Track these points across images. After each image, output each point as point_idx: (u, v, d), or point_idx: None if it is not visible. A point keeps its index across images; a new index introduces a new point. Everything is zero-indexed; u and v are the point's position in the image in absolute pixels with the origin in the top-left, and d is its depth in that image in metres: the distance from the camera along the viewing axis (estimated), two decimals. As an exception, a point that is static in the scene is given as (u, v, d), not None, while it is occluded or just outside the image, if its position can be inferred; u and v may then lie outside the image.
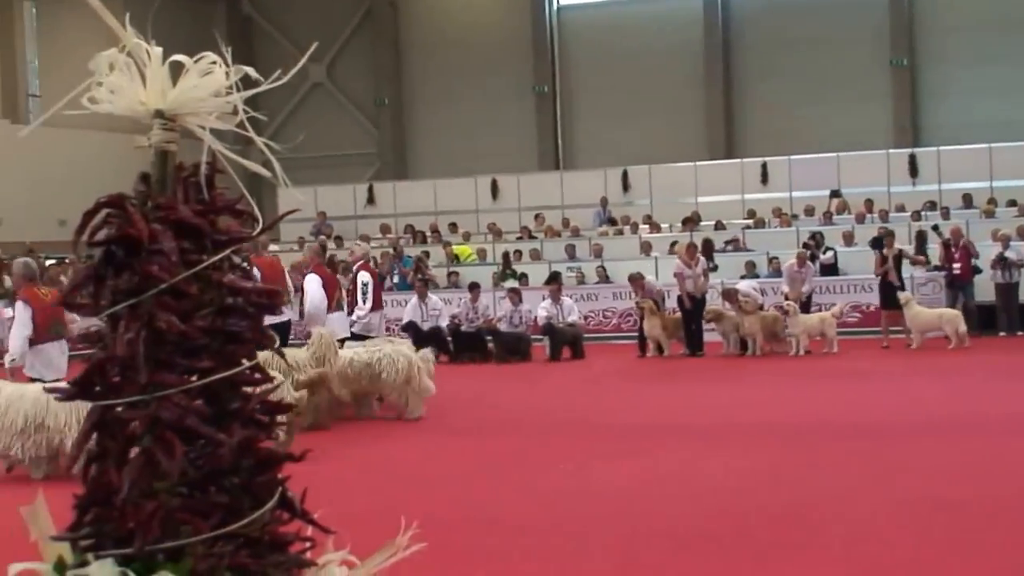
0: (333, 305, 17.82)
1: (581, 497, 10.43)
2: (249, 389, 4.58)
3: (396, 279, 30.54)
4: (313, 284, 17.67)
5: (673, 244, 28.90)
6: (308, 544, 4.75)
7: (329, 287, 17.79)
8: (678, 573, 8.07)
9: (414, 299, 25.50)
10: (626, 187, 36.58)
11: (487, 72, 44.00)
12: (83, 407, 12.17)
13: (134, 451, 4.40)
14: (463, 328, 25.06)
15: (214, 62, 4.47)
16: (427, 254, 32.01)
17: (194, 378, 4.40)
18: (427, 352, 16.73)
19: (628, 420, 15.50)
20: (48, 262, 33.94)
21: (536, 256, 31.39)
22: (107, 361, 4.40)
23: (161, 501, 4.29)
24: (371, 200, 38.97)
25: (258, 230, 4.73)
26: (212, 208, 4.52)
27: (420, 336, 24.86)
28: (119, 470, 4.36)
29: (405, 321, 25.42)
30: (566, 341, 24.50)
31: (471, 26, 45.00)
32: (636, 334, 24.92)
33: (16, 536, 4.92)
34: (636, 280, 24.79)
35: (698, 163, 36.86)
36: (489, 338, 24.86)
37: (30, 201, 39.75)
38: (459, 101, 44.24)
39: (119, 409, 4.39)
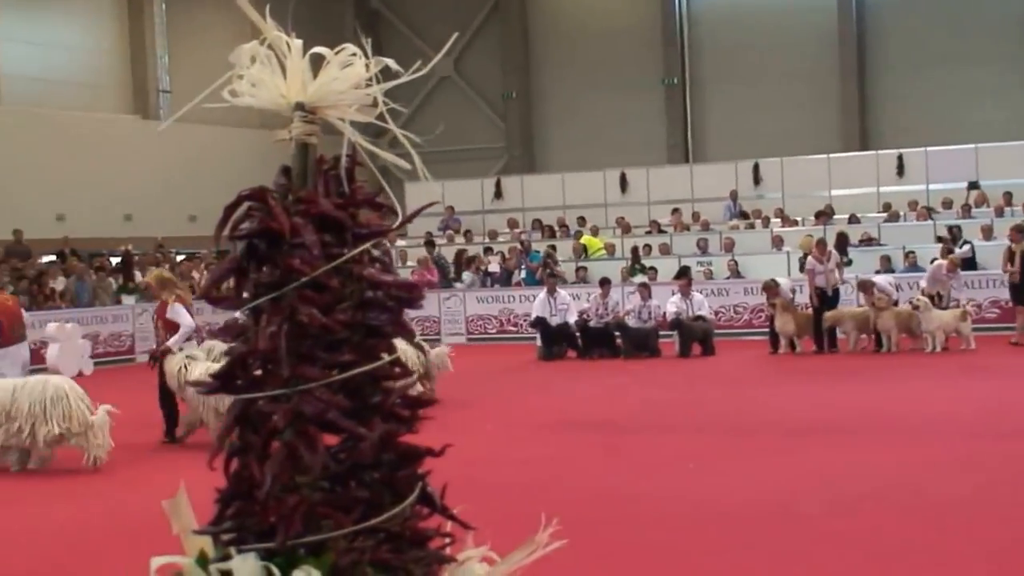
0: None
1: (714, 496, 10.29)
2: (389, 383, 4.55)
3: (523, 274, 30.53)
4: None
5: (805, 237, 28.45)
6: (448, 540, 4.71)
7: None
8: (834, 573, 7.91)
9: (542, 294, 25.45)
10: (757, 180, 36.12)
11: (616, 64, 43.82)
12: (46, 399, 12.34)
13: (275, 445, 4.39)
14: (591, 324, 24.93)
15: (354, 54, 4.44)
16: (554, 248, 31.93)
17: (335, 372, 4.38)
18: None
19: (763, 417, 15.27)
20: (179, 257, 34.55)
21: (665, 250, 31.16)
22: (249, 355, 4.40)
23: (303, 495, 4.28)
24: (499, 194, 39.00)
25: (397, 223, 4.70)
26: (352, 201, 4.49)
27: (548, 332, 24.81)
28: (261, 464, 4.35)
29: (534, 317, 25.38)
30: (696, 337, 24.25)
31: (600, 18, 44.85)
32: (767, 330, 24.60)
33: (159, 529, 4.95)
34: (771, 288, 24.36)
35: (831, 155, 36.23)
36: (617, 334, 24.70)
37: (160, 197, 40.45)
38: (587, 93, 44.13)
39: (260, 403, 4.39)
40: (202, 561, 4.40)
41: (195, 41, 43.79)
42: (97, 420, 12.81)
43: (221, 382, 4.48)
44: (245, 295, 4.45)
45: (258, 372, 4.41)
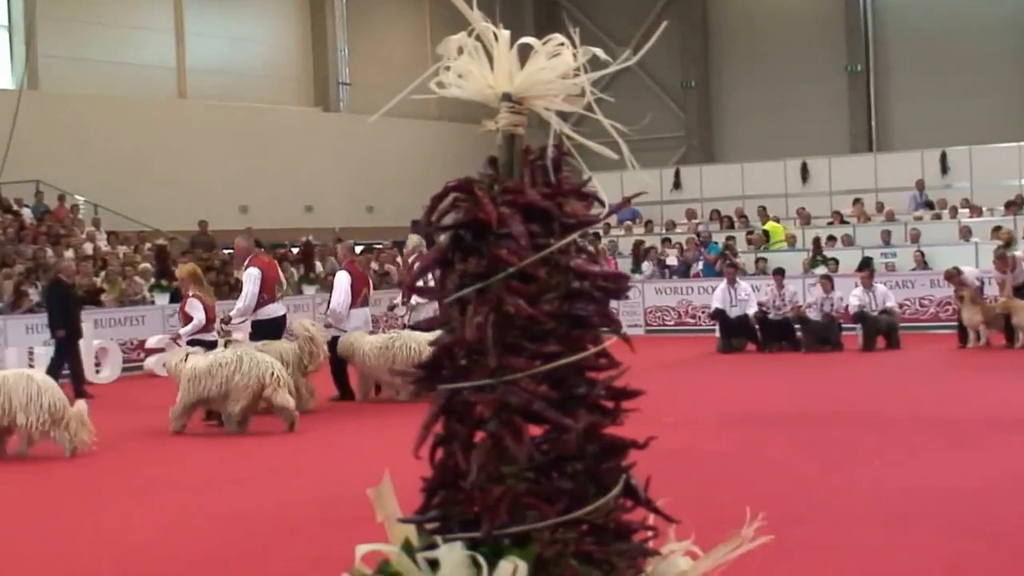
0: (359, 302, 18.54)
1: (910, 492, 10.05)
2: (594, 374, 4.53)
3: (701, 265, 30.27)
4: (342, 282, 18.53)
5: (996, 230, 27.64)
6: (651, 533, 4.66)
7: (356, 284, 18.54)
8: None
9: (722, 284, 25.16)
10: (944, 169, 35.25)
11: (797, 52, 43.22)
12: (29, 386, 12.80)
13: (481, 435, 4.40)
14: (770, 316, 24.57)
15: (561, 44, 4.41)
16: (732, 239, 31.58)
17: (539, 363, 4.36)
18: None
19: (955, 413, 14.87)
20: (357, 248, 35.06)
21: (848, 242, 30.56)
22: (455, 345, 4.41)
23: (508, 486, 4.28)
24: (677, 184, 38.76)
25: (604, 213, 4.67)
26: (559, 191, 4.47)
27: (728, 324, 24.53)
28: (466, 454, 4.36)
29: (713, 308, 25.13)
30: (880, 330, 23.72)
31: (780, 5, 44.30)
32: (955, 323, 23.97)
33: (364, 517, 5.00)
34: (953, 277, 23.77)
35: (1022, 144, 35.18)
36: (798, 326, 24.31)
37: (339, 188, 41.12)
38: (767, 82, 43.60)
39: (466, 393, 4.39)
40: (408, 549, 4.43)
41: (374, 34, 44.41)
42: (74, 412, 13.36)
43: (428, 372, 4.50)
44: (450, 286, 4.46)
45: (463, 362, 4.42)
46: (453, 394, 4.42)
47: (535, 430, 4.43)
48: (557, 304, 4.38)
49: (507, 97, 4.43)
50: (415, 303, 19.37)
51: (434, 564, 4.27)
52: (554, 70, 4.40)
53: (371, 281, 20.52)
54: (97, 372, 22.44)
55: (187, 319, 16.34)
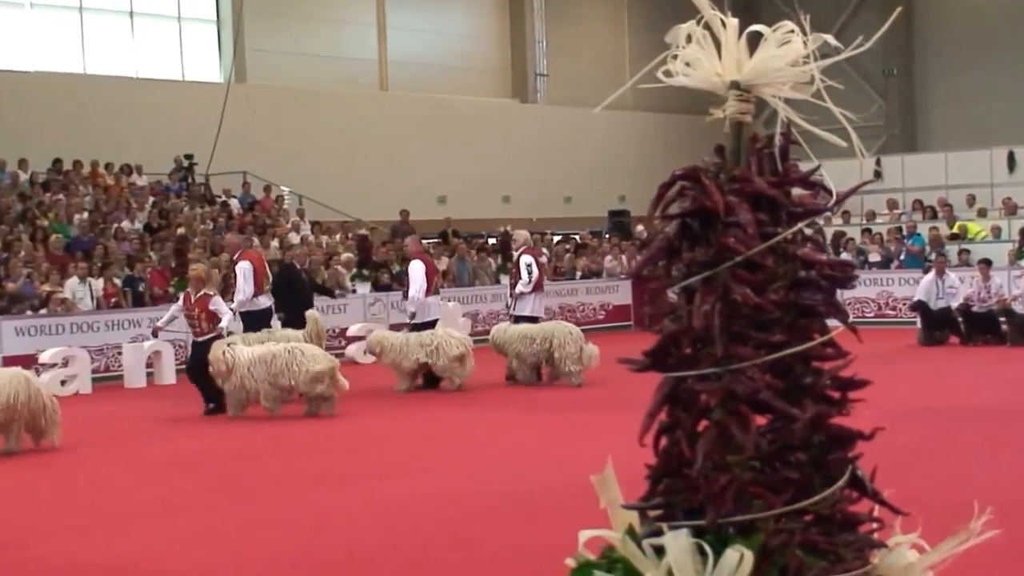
0: (431, 290, 19.85)
1: None
2: (820, 364, 4.49)
3: (903, 257, 29.64)
4: (418, 271, 19.70)
5: None
6: (877, 525, 4.61)
7: (430, 274, 19.81)
8: None
9: (930, 275, 24.62)
10: None
11: (1004, 38, 42.01)
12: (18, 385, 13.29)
13: (706, 424, 4.40)
14: (974, 309, 23.94)
15: (791, 31, 4.39)
16: (936, 230, 30.82)
17: (765, 352, 4.34)
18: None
19: None
20: (555, 239, 35.24)
21: (1056, 233, 29.62)
22: (681, 333, 4.42)
23: (734, 475, 4.27)
24: (877, 174, 37.98)
25: (832, 202, 4.63)
26: (786, 180, 4.45)
27: (930, 316, 23.99)
28: (691, 442, 4.37)
29: (915, 300, 24.61)
30: (1092, 323, 22.97)
31: (987, -8, 43.16)
32: None
33: (587, 503, 5.05)
34: None
35: None
36: (1003, 319, 23.64)
37: (538, 179, 41.35)
38: (973, 69, 42.47)
39: (690, 381, 4.40)
40: (631, 535, 4.45)
41: (572, 26, 44.55)
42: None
43: (652, 359, 4.51)
44: (676, 274, 4.47)
45: (689, 350, 4.43)
46: (678, 382, 4.43)
47: (760, 419, 4.41)
48: (784, 293, 4.36)
49: (735, 85, 4.42)
50: (519, 291, 20.49)
51: (659, 551, 4.29)
52: (784, 57, 4.37)
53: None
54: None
55: (212, 317, 16.87)
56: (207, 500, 10.80)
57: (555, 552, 5.00)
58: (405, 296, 20.33)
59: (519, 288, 20.56)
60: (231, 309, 17.97)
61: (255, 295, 18.90)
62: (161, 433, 15.57)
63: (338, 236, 30.83)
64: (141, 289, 24.03)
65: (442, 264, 29.62)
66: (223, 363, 15.95)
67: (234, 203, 32.02)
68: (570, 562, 4.67)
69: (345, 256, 27.72)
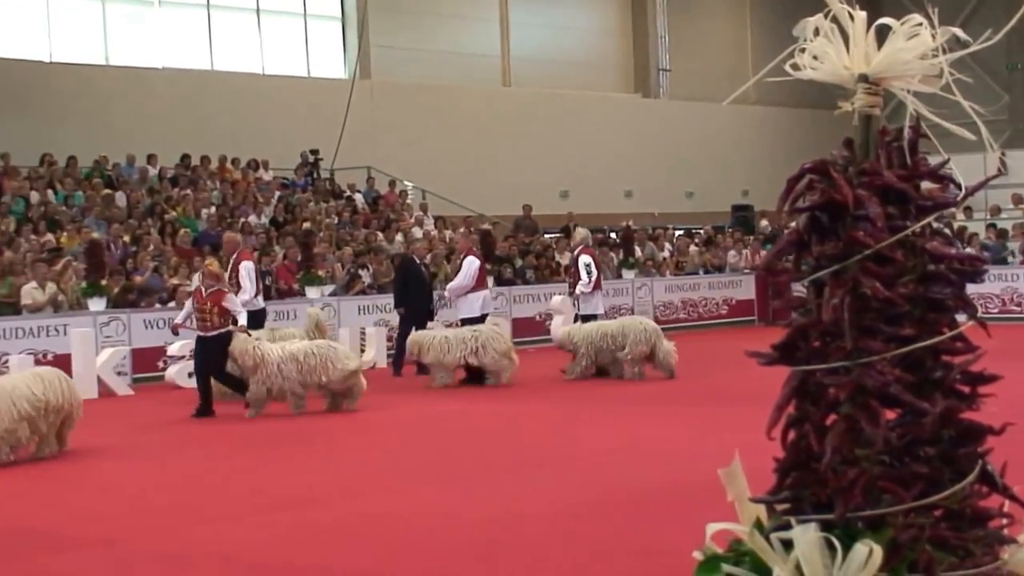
0: (482, 285, 20.29)
1: None
2: (950, 358, 4.47)
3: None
4: (472, 266, 19.97)
5: None
6: (1007, 520, 4.57)
7: (481, 270, 20.24)
8: None
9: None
10: None
11: None
12: (15, 395, 12.69)
13: (834, 417, 4.40)
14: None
15: (919, 24, 4.37)
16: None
17: (894, 345, 4.33)
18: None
19: None
20: (677, 233, 35.07)
21: None
22: (809, 326, 4.42)
23: (863, 469, 4.27)
24: (1002, 169, 37.20)
25: (960, 196, 4.60)
26: (915, 173, 4.43)
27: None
28: (820, 436, 4.37)
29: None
30: None
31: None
32: None
33: (710, 498, 5.07)
34: None
35: None
36: None
37: (660, 174, 41.21)
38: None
39: (819, 375, 4.41)
40: (759, 528, 4.47)
41: (694, 21, 44.33)
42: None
43: (781, 353, 4.52)
44: (804, 268, 4.47)
45: (817, 344, 4.43)
46: (807, 376, 4.43)
47: (889, 413, 4.40)
48: (913, 287, 4.35)
49: (864, 78, 4.41)
50: (579, 292, 20.58)
51: (787, 545, 4.30)
52: (913, 51, 4.36)
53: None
54: (426, 351, 23.20)
55: (224, 313, 16.45)
56: (328, 492, 10.93)
57: (681, 546, 5.03)
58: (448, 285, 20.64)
59: (580, 289, 20.61)
60: (246, 305, 17.67)
61: (255, 295, 19.18)
62: (288, 424, 15.79)
63: (461, 231, 31.01)
64: (267, 282, 24.41)
65: (565, 258, 29.68)
66: (251, 357, 15.86)
67: (358, 198, 32.36)
68: (697, 555, 4.70)
69: (467, 250, 27.86)
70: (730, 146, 42.71)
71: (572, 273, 21.25)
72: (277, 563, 8.35)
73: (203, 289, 16.59)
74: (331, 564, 8.28)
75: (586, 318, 20.42)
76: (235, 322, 16.38)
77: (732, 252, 31.98)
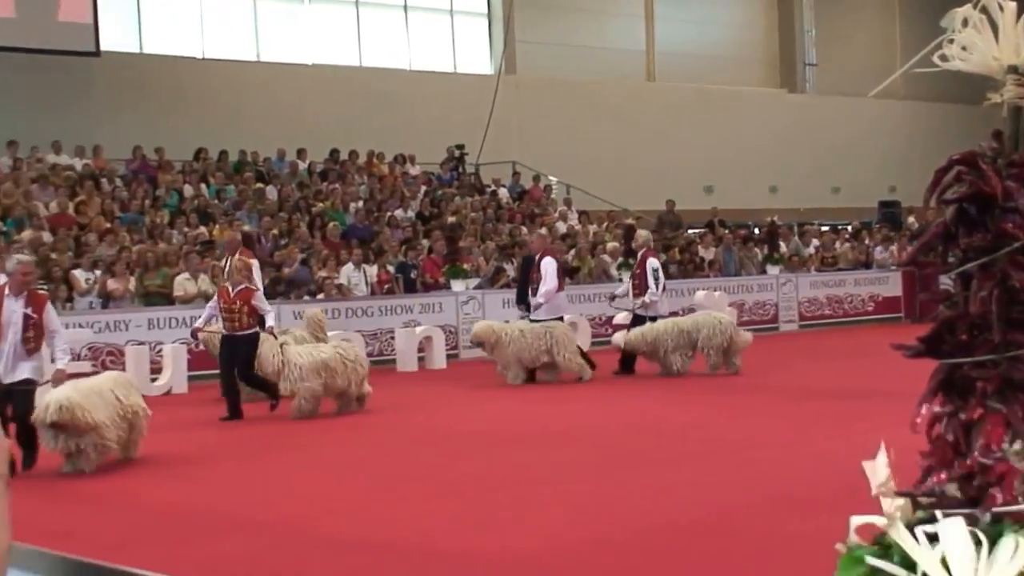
0: (561, 286, 20.23)
1: None
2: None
3: None
4: (552, 268, 19.78)
5: None
6: None
7: (560, 270, 20.31)
8: None
9: None
10: None
11: None
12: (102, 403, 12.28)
13: (981, 412, 4.34)
14: None
15: (1073, 14, 4.29)
16: None
17: (1044, 340, 4.26)
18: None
19: None
20: (823, 229, 34.67)
21: None
22: (957, 319, 4.37)
23: (1010, 463, 4.21)
24: None
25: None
26: (1068, 165, 4.35)
27: None
28: (966, 430, 4.32)
29: None
30: None
31: None
32: None
33: (853, 490, 5.03)
34: None
35: None
36: None
37: (805, 169, 40.79)
38: None
39: (965, 368, 4.35)
40: (905, 522, 4.42)
41: (841, 14, 43.74)
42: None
43: (927, 346, 4.48)
44: (952, 260, 4.42)
45: (964, 337, 4.38)
46: (953, 369, 4.38)
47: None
48: (1064, 281, 4.27)
49: (1013, 69, 4.34)
50: (649, 300, 20.14)
51: (932, 538, 4.25)
52: None
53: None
54: (568, 346, 23.27)
55: (253, 312, 16.27)
56: (492, 481, 11.03)
57: (821, 539, 5.00)
58: (534, 292, 20.06)
59: (649, 298, 20.09)
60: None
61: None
62: (443, 415, 15.98)
63: (604, 225, 31.04)
64: (413, 276, 24.70)
65: (708, 254, 29.53)
66: (272, 364, 15.93)
67: (503, 192, 32.57)
68: (840, 548, 4.67)
69: (611, 245, 27.88)
70: (877, 141, 42.05)
71: (637, 276, 20.61)
72: (436, 550, 8.46)
73: (230, 288, 16.44)
74: (483, 550, 8.36)
75: (639, 318, 20.14)
76: (262, 323, 16.37)
77: (879, 248, 31.49)
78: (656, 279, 20.20)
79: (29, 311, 12.36)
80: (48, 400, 11.85)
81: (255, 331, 16.18)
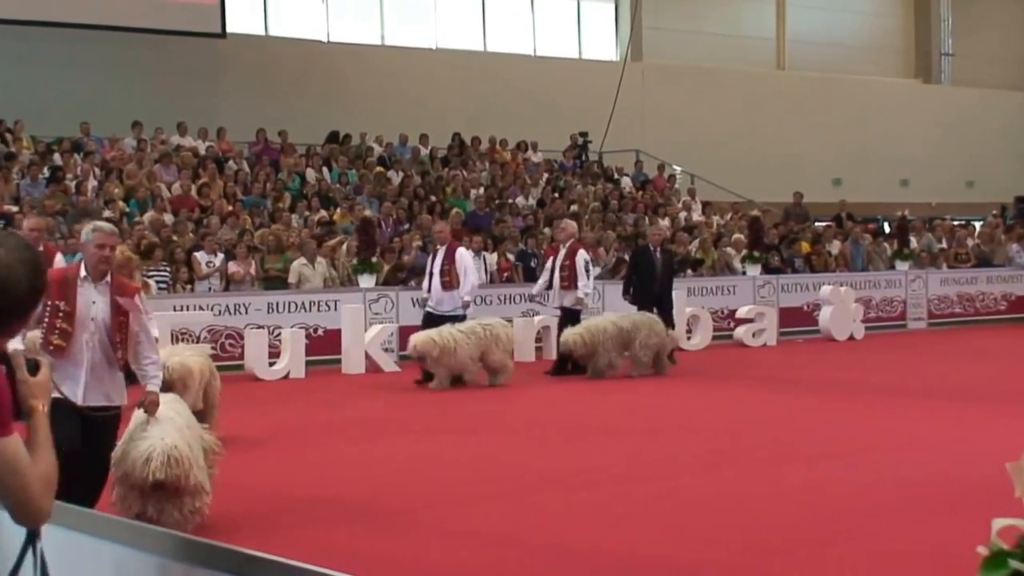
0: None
1: None
2: None
3: None
4: (585, 261, 19.17)
5: None
6: None
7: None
8: None
9: None
10: None
11: None
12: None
13: None
14: None
15: None
16: None
17: None
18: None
19: None
20: (954, 223, 33.74)
21: None
22: None
23: None
24: None
25: None
26: None
27: None
28: None
29: None
30: None
31: None
32: None
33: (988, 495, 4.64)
34: None
35: None
36: None
37: (937, 162, 39.85)
38: None
39: None
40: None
41: (979, 3, 42.62)
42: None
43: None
44: None
45: None
46: None
47: None
48: None
49: None
50: (583, 295, 19.07)
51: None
52: None
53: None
54: (688, 339, 22.87)
55: None
56: (599, 473, 10.78)
57: (965, 544, 4.63)
58: (549, 286, 19.61)
59: (582, 291, 19.01)
60: None
61: None
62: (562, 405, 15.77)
63: (729, 217, 30.49)
64: (533, 264, 24.44)
65: (835, 248, 28.84)
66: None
67: (626, 181, 32.17)
68: (982, 550, 4.31)
69: (735, 237, 27.35)
70: (1016, 135, 40.90)
71: (567, 268, 19.18)
72: (550, 543, 8.28)
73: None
74: (601, 544, 8.15)
75: (570, 314, 19.17)
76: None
77: (1014, 246, 30.50)
78: (588, 272, 19.21)
79: (114, 306, 8.36)
80: (151, 448, 8.26)
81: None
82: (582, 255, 19.34)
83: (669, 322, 19.93)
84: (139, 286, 10.93)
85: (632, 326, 18.55)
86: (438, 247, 18.99)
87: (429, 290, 18.67)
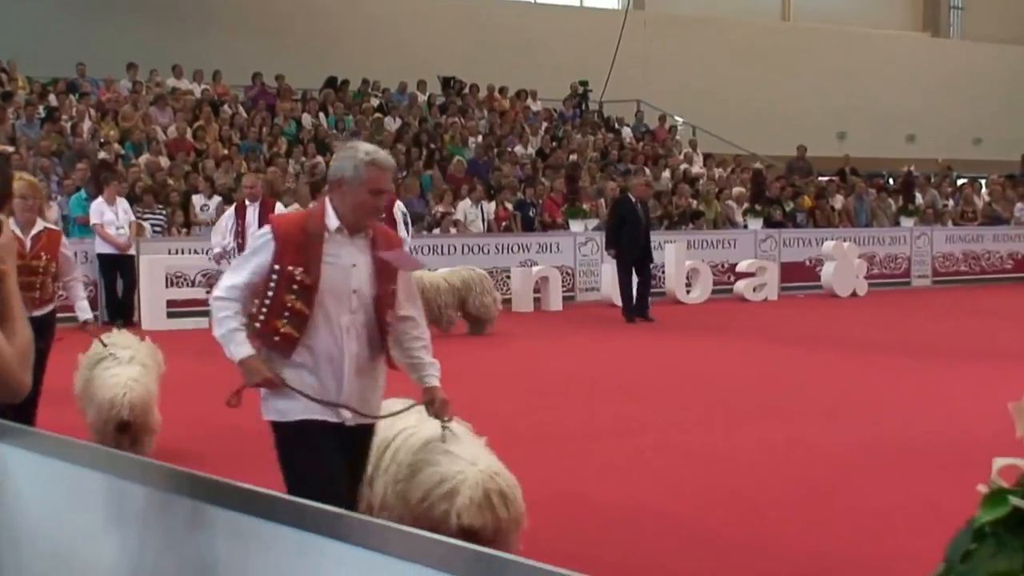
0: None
1: None
2: None
3: None
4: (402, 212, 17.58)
5: None
6: None
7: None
8: None
9: None
10: None
11: None
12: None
13: None
14: None
15: None
16: None
17: None
18: None
19: None
20: (959, 181, 33.33)
21: None
22: None
23: None
24: None
25: None
26: None
27: None
28: None
29: None
30: None
31: None
32: None
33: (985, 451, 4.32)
34: None
35: None
36: None
37: (944, 118, 39.40)
38: None
39: None
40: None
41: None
42: None
43: None
44: None
45: None
46: None
47: None
48: None
49: None
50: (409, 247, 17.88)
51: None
52: None
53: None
54: (688, 292, 22.56)
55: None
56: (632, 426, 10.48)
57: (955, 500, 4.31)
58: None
59: (409, 244, 15.44)
60: None
61: None
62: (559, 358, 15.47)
63: (730, 169, 30.08)
64: (532, 214, 24.08)
65: (837, 202, 28.45)
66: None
67: (627, 132, 31.74)
68: (982, 488, 4.00)
69: (736, 191, 26.96)
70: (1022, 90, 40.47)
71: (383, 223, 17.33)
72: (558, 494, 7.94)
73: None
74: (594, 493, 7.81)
75: None
76: None
77: (1020, 205, 30.07)
78: (407, 224, 16.54)
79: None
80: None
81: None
82: (399, 206, 16.52)
83: (648, 277, 19.74)
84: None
85: (463, 284, 17.75)
86: (247, 203, 16.13)
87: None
